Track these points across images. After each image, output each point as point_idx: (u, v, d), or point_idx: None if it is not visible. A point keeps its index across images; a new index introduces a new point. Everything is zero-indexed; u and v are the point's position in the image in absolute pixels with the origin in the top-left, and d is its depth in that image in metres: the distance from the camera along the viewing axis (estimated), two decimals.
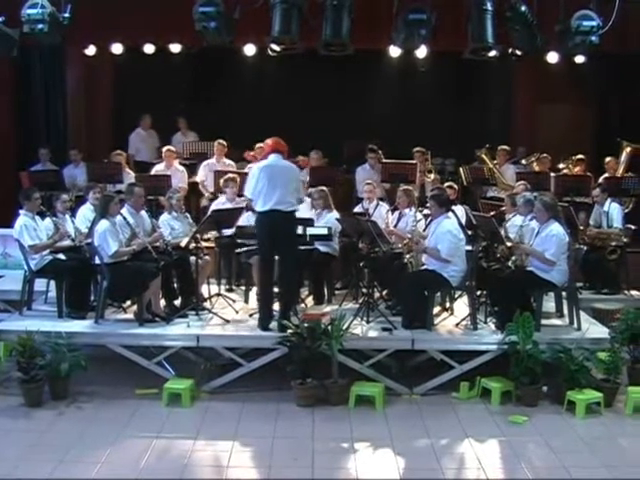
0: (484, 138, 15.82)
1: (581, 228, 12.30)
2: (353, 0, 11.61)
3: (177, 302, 10.94)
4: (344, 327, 9.45)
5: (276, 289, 10.29)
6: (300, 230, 10.74)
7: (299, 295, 11.30)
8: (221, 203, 12.39)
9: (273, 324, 9.88)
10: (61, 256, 10.74)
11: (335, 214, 11.75)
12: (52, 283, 10.95)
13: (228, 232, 11.50)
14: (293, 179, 10.07)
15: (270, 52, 12.58)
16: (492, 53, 12.36)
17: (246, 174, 12.48)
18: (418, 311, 10.08)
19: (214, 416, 8.95)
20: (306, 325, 9.47)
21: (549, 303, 10.78)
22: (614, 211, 12.51)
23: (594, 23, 11.43)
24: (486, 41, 11.83)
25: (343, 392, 9.26)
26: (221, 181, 12.55)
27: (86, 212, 11.53)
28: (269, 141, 10.17)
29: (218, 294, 11.31)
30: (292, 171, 10.17)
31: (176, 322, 10.22)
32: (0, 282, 12.43)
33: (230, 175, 12.59)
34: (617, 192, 13.09)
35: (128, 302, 10.83)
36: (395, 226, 11.63)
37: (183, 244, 10.97)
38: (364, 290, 11.02)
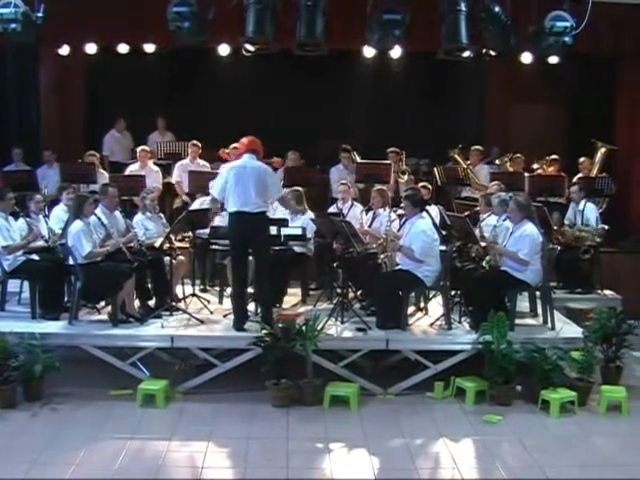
0: (458, 138, 15.85)
1: (555, 228, 12.35)
2: (327, 0, 11.61)
3: (151, 303, 10.90)
4: (318, 327, 9.46)
5: (250, 290, 10.34)
6: (274, 231, 10.74)
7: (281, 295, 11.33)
8: (205, 203, 12.28)
9: (247, 324, 9.88)
10: (35, 257, 10.67)
11: (310, 214, 11.75)
12: (25, 284, 10.91)
13: (203, 232, 11.48)
14: (263, 180, 9.92)
15: (244, 52, 12.57)
16: (466, 53, 12.40)
17: None
18: (392, 311, 10.09)
19: (189, 417, 8.94)
20: (280, 325, 9.48)
21: (523, 303, 10.84)
22: (589, 211, 12.58)
23: (567, 24, 11.49)
24: (460, 42, 11.87)
25: (318, 392, 9.27)
26: (210, 184, 12.43)
27: (60, 213, 11.45)
28: (244, 140, 10.14)
29: (192, 294, 11.28)
30: (262, 172, 10.00)
31: (150, 323, 10.21)
32: None
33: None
34: (590, 192, 13.18)
35: (102, 303, 10.78)
36: (369, 226, 11.64)
37: (157, 244, 10.94)
38: (338, 290, 11.02)
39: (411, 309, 10.78)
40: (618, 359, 9.99)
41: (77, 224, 10.03)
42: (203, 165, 14.81)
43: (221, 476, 7.60)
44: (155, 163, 15.08)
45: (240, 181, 9.76)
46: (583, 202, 12.72)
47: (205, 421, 8.77)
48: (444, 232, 11.03)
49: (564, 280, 12.55)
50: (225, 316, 10.53)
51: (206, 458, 7.84)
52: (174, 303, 10.72)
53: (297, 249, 11.45)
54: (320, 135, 16.27)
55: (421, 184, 13.06)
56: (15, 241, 10.43)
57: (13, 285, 11.03)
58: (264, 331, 9.44)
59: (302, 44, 12.05)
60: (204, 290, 12.33)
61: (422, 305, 11.12)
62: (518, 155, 15.08)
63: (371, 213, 11.89)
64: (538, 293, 10.64)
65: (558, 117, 17.43)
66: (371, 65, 15.56)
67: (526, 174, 14.20)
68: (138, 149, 14.92)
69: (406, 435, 8.44)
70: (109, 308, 10.37)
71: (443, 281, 10.25)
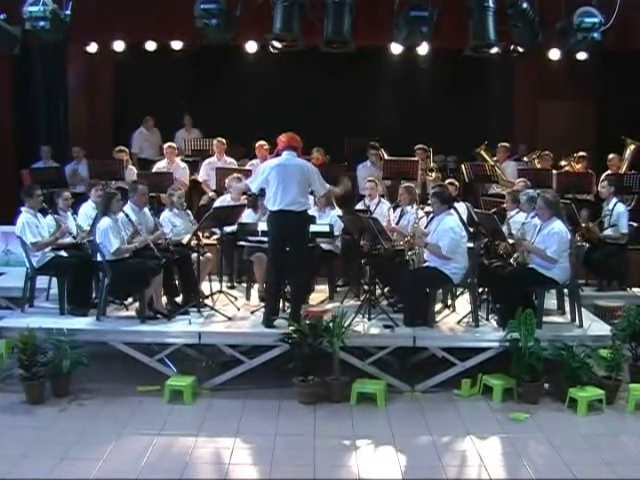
0: (485, 135, 15.83)
1: (583, 225, 12.22)
2: None
3: (178, 299, 10.94)
4: (346, 324, 9.45)
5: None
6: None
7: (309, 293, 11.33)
8: (225, 201, 12.34)
9: (276, 322, 9.89)
10: (63, 253, 10.74)
11: (337, 211, 11.74)
12: (54, 280, 10.93)
13: (229, 229, 11.49)
14: (306, 177, 9.89)
15: (271, 49, 12.59)
16: (493, 50, 12.35)
17: (249, 171, 12.45)
18: (420, 308, 10.07)
19: (216, 413, 8.96)
20: (308, 322, 9.48)
21: (551, 300, 10.77)
22: (618, 212, 12.29)
23: (596, 20, 11.45)
24: (487, 38, 11.84)
25: (344, 389, 9.26)
26: (226, 180, 12.48)
27: (88, 209, 11.53)
28: (283, 137, 10.06)
29: (220, 291, 11.28)
30: (304, 169, 9.92)
31: (178, 319, 10.24)
32: (2, 279, 12.46)
33: (236, 175, 12.46)
34: (619, 189, 13.05)
35: (130, 299, 10.83)
36: (397, 223, 11.62)
37: (184, 241, 10.97)
38: (366, 287, 11.00)
39: (438, 306, 10.78)
40: None
41: (105, 221, 10.06)
42: (230, 162, 14.84)
43: (248, 473, 7.61)
44: (182, 160, 15.11)
45: (282, 180, 9.71)
46: (614, 201, 12.52)
47: (232, 418, 8.77)
48: (471, 229, 10.99)
49: (595, 278, 12.41)
50: (252, 313, 10.56)
51: (233, 454, 7.84)
52: (201, 300, 10.74)
53: (324, 246, 11.45)
54: (346, 132, 16.27)
55: (448, 181, 13.02)
56: (43, 237, 10.49)
57: (41, 281, 11.07)
58: (291, 328, 9.44)
59: (329, 41, 12.08)
60: (231, 287, 12.33)
61: (449, 302, 11.11)
62: (547, 152, 15.02)
63: (398, 210, 11.89)
64: (566, 291, 10.58)
65: (586, 114, 17.35)
66: (398, 62, 15.57)
67: (554, 171, 14.14)
68: (165, 146, 14.98)
69: (433, 433, 8.41)
70: (137, 304, 10.40)
71: (470, 278, 10.19)
